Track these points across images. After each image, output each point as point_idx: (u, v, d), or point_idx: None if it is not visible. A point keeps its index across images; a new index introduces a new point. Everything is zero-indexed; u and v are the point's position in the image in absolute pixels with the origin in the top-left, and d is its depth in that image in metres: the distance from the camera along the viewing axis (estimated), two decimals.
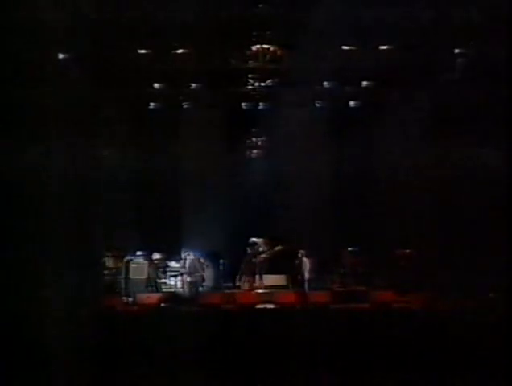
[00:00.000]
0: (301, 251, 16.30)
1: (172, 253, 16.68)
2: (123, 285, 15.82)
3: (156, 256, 16.48)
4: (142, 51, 14.93)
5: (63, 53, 14.40)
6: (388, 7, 12.85)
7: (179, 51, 14.99)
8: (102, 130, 16.41)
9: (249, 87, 16.87)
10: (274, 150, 18.45)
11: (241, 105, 17.52)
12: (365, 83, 16.62)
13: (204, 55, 15.15)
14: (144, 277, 15.90)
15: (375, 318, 11.86)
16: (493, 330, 10.42)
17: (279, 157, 17.95)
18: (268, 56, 15.27)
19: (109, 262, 16.23)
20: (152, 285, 16.01)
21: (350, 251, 16.79)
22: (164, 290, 15.99)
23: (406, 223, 16.01)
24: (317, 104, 17.53)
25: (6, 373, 9.65)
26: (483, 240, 14.00)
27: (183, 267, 16.28)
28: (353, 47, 14.91)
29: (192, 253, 16.45)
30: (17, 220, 13.04)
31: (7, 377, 9.65)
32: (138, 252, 16.36)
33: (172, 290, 16.00)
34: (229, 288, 16.27)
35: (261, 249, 16.73)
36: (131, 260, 16.21)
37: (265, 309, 13.91)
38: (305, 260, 16.15)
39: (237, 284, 16.55)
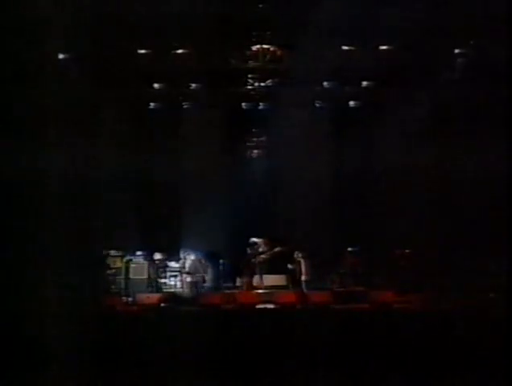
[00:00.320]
0: (298, 251, 16.25)
1: (172, 253, 16.66)
2: (123, 285, 15.80)
3: (157, 256, 16.46)
4: (142, 51, 14.93)
5: (63, 53, 14.41)
6: (388, 7, 12.85)
7: (179, 51, 15.00)
8: (102, 130, 16.39)
9: (249, 87, 16.88)
10: (274, 150, 18.44)
11: (241, 105, 17.52)
12: (365, 83, 16.63)
13: (204, 55, 15.15)
14: (144, 277, 15.89)
15: (375, 318, 11.84)
16: (494, 330, 10.42)
17: (279, 157, 17.94)
18: (268, 56, 15.29)
19: (109, 262, 16.21)
20: (153, 285, 16.00)
21: (350, 251, 16.77)
22: (164, 290, 15.98)
23: (406, 223, 16.00)
24: (317, 104, 17.53)
25: (5, 373, 9.65)
26: (483, 240, 14.00)
27: (183, 267, 16.27)
28: (352, 47, 14.92)
29: (191, 253, 16.44)
30: (17, 220, 13.04)
31: (7, 377, 9.65)
32: (138, 252, 16.34)
33: (172, 290, 15.99)
34: (229, 288, 16.26)
35: (260, 249, 16.70)
36: (131, 260, 16.20)
37: (265, 309, 13.90)
38: (301, 260, 16.11)
39: (237, 284, 16.53)
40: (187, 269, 16.17)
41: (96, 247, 16.04)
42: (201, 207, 17.05)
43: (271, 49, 15.18)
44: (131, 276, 15.88)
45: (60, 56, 14.42)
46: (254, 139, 19.01)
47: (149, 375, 9.97)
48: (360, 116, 17.41)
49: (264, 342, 10.69)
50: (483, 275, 13.36)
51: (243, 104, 17.51)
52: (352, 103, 17.50)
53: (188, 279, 15.94)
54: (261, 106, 17.54)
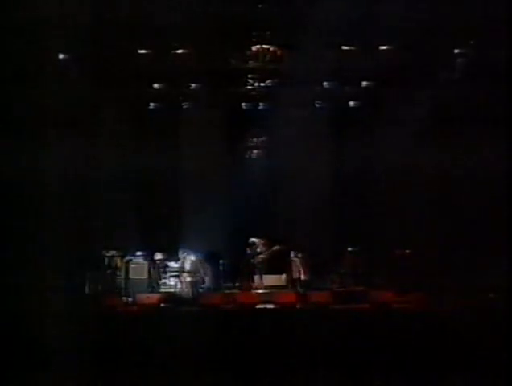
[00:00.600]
0: (295, 251, 16.25)
1: (172, 253, 16.65)
2: (123, 285, 15.80)
3: (157, 256, 16.45)
4: (142, 51, 14.93)
5: (63, 53, 14.42)
6: (388, 7, 12.85)
7: (179, 51, 15.00)
8: (102, 130, 16.40)
9: (249, 87, 16.88)
10: (273, 150, 18.43)
11: (241, 105, 17.51)
12: (365, 83, 16.64)
13: (204, 55, 15.15)
14: (144, 277, 15.88)
15: (374, 318, 11.84)
16: (494, 330, 10.42)
17: (279, 157, 17.93)
18: (268, 56, 15.28)
19: (109, 262, 16.19)
20: (153, 285, 15.99)
21: (350, 251, 16.75)
22: (164, 290, 15.97)
23: (406, 223, 16.00)
24: (317, 105, 17.53)
25: (5, 373, 9.65)
26: (483, 240, 14.01)
27: (183, 267, 16.26)
28: (352, 47, 14.92)
29: (191, 253, 16.44)
30: (16, 220, 13.05)
31: (7, 377, 9.65)
32: (138, 253, 16.33)
33: (172, 290, 15.99)
34: (228, 288, 16.25)
35: (258, 250, 16.69)
36: (131, 260, 16.19)
37: (264, 309, 13.89)
38: (297, 260, 16.10)
39: (237, 284, 16.52)
40: (186, 269, 16.16)
41: (95, 247, 16.05)
42: (201, 207, 17.04)
43: (271, 49, 15.17)
44: (131, 276, 15.87)
45: (60, 56, 14.43)
46: (254, 139, 18.99)
47: (148, 375, 9.98)
48: (360, 116, 17.40)
49: (263, 342, 10.70)
50: (483, 275, 13.36)
51: (243, 104, 17.51)
52: (352, 103, 17.49)
53: (188, 279, 15.93)
54: (261, 106, 17.54)
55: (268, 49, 15.18)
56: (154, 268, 16.27)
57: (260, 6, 13.50)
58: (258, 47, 15.11)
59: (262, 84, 16.72)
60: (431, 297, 12.92)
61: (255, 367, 10.29)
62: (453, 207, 15.18)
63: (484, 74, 13.81)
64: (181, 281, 16.03)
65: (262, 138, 18.89)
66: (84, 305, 13.44)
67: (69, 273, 14.24)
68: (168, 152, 17.56)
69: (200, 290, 15.91)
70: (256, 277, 16.41)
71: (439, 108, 15.55)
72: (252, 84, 16.78)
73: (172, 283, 16.25)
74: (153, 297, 14.64)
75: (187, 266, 16.20)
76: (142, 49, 14.89)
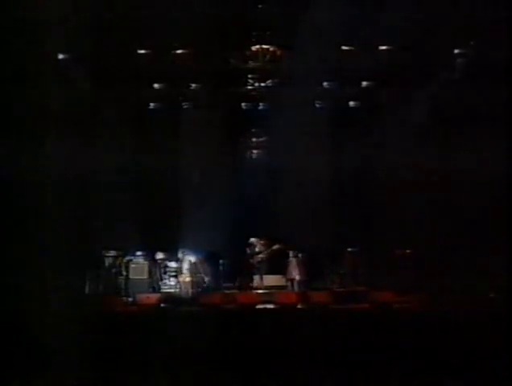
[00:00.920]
0: (292, 251, 16.25)
1: (172, 254, 16.65)
2: (123, 286, 15.80)
3: (157, 256, 16.45)
4: (142, 51, 14.93)
5: (62, 53, 14.42)
6: (388, 7, 12.85)
7: (179, 51, 15.00)
8: (102, 130, 16.39)
9: (249, 87, 16.88)
10: (273, 150, 18.43)
11: (241, 105, 17.51)
12: (364, 83, 16.63)
13: (204, 56, 15.15)
14: (144, 277, 15.88)
15: (374, 318, 11.84)
16: (493, 330, 10.42)
17: (279, 157, 17.92)
18: (268, 56, 15.27)
19: (109, 262, 16.20)
20: (153, 285, 15.99)
21: (350, 251, 16.76)
22: (164, 290, 15.98)
23: (406, 223, 15.99)
24: (317, 105, 17.52)
25: (5, 373, 9.66)
26: (483, 240, 14.01)
27: (183, 267, 16.27)
28: (352, 47, 14.92)
29: (191, 253, 16.44)
30: (16, 220, 13.05)
31: (7, 377, 9.65)
32: (138, 252, 16.33)
33: (172, 291, 15.99)
34: (228, 288, 16.25)
35: (257, 249, 16.69)
36: (131, 260, 16.19)
37: (264, 309, 13.90)
38: (297, 260, 16.11)
39: (237, 284, 16.52)
40: (186, 269, 16.17)
41: (95, 247, 16.05)
42: (201, 207, 17.03)
43: (271, 49, 15.17)
44: (131, 276, 15.87)
45: (60, 56, 14.43)
46: (254, 139, 18.99)
47: (148, 375, 9.98)
48: (360, 116, 17.39)
49: (263, 342, 10.70)
50: (483, 275, 13.36)
51: (243, 104, 17.50)
52: (352, 103, 17.48)
53: (188, 279, 15.94)
54: (261, 106, 17.53)
55: (268, 49, 15.17)
56: (154, 268, 16.26)
57: (260, 6, 13.50)
58: (257, 47, 15.11)
59: (262, 84, 16.72)
60: (431, 298, 12.91)
61: (255, 367, 10.29)
62: (453, 207, 15.17)
63: (484, 74, 13.81)
64: (181, 281, 16.03)
65: (262, 138, 18.89)
66: (84, 305, 13.44)
67: (69, 272, 14.23)
68: (168, 152, 17.56)
69: (200, 290, 15.91)
70: (256, 277, 16.42)
71: (439, 108, 15.56)
72: (252, 84, 16.77)
73: (172, 283, 16.25)
74: (153, 298, 14.64)
75: (187, 266, 16.21)
76: (142, 49, 14.89)
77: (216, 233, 16.30)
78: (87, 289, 15.25)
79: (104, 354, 10.22)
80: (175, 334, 10.39)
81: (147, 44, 14.77)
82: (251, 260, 16.57)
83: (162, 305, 14.17)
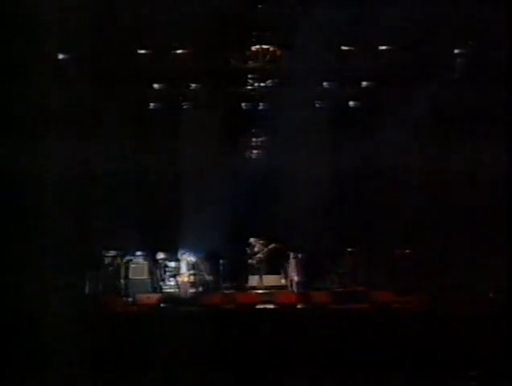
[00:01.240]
0: (294, 251, 16.25)
1: (172, 254, 16.66)
2: (123, 286, 15.80)
3: (159, 255, 16.45)
4: (142, 51, 14.93)
5: (62, 53, 14.42)
6: (388, 7, 12.86)
7: (179, 51, 15.00)
8: (102, 130, 16.38)
9: (249, 87, 16.87)
10: (273, 150, 18.42)
11: (241, 105, 17.50)
12: (364, 83, 16.63)
13: (204, 55, 15.15)
14: (143, 277, 15.88)
15: (374, 318, 11.85)
16: (494, 329, 10.42)
17: (279, 157, 17.92)
18: (268, 56, 15.28)
19: (109, 262, 16.20)
20: (153, 285, 15.99)
21: (350, 251, 16.75)
22: (164, 291, 15.97)
23: (405, 223, 15.99)
24: (317, 105, 17.51)
25: (5, 373, 9.66)
26: (483, 240, 14.01)
27: (183, 267, 16.27)
28: (352, 47, 14.92)
29: (191, 254, 16.44)
30: (16, 220, 13.05)
31: (7, 377, 9.65)
32: (138, 252, 16.33)
33: (172, 291, 15.99)
34: (228, 288, 16.24)
35: (256, 249, 16.69)
36: (131, 260, 16.19)
37: (264, 309, 13.90)
38: (296, 260, 16.10)
39: (237, 284, 16.51)
40: (186, 270, 16.17)
41: (95, 247, 16.05)
42: (200, 207, 17.03)
43: (271, 49, 15.17)
44: (131, 276, 15.87)
45: (60, 56, 14.43)
46: (254, 139, 18.99)
47: (148, 375, 9.98)
48: (360, 116, 17.38)
49: (262, 342, 10.70)
50: (483, 275, 13.36)
51: (243, 104, 17.49)
52: (352, 103, 17.47)
53: (187, 279, 15.93)
54: (261, 106, 17.52)
55: (268, 49, 15.18)
56: (154, 268, 16.26)
57: (260, 6, 13.50)
58: (257, 47, 15.11)
59: (262, 84, 16.71)
60: (431, 298, 12.91)
61: (255, 367, 10.29)
62: (453, 207, 15.17)
63: (484, 74, 13.81)
64: (181, 281, 16.03)
65: (262, 138, 18.88)
66: (84, 305, 13.44)
67: (69, 273, 14.23)
68: (168, 152, 17.55)
69: (200, 290, 15.91)
70: (256, 277, 16.41)
71: (438, 108, 15.55)
72: (252, 84, 16.77)
73: (172, 283, 16.25)
74: (153, 298, 14.64)
75: (187, 266, 16.21)
76: (142, 49, 14.89)
77: (216, 233, 16.29)
78: (87, 289, 15.24)
79: (104, 354, 10.22)
80: (175, 334, 10.39)
81: (147, 44, 14.77)
82: (250, 261, 16.57)
83: (162, 305, 14.17)
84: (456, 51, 15.03)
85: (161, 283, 16.27)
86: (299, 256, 16.21)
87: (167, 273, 16.43)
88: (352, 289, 15.65)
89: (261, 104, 17.47)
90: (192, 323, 11.14)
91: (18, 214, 13.16)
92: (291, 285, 15.99)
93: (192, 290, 15.84)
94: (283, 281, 16.37)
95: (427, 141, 15.82)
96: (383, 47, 14.94)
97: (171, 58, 15.11)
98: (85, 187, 15.97)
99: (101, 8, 13.10)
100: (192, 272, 16.17)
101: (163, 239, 16.87)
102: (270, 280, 16.42)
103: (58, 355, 9.78)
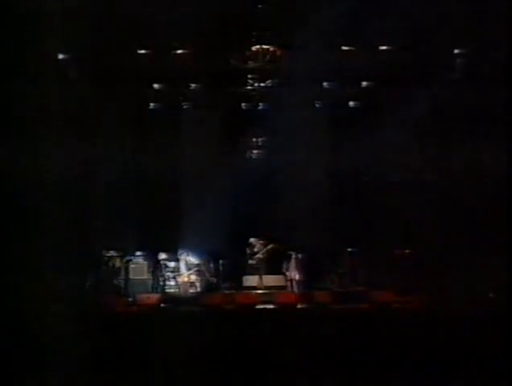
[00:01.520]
0: (294, 251, 16.25)
1: (172, 254, 16.66)
2: (123, 286, 15.81)
3: (159, 255, 16.46)
4: (142, 51, 14.94)
5: (62, 53, 14.42)
6: (387, 7, 12.86)
7: (179, 51, 15.00)
8: (102, 130, 16.39)
9: (249, 87, 16.87)
10: (273, 150, 18.41)
11: (241, 105, 17.50)
12: (364, 83, 16.63)
13: (204, 55, 15.15)
14: (143, 277, 15.89)
15: (374, 318, 11.84)
16: (493, 329, 10.42)
17: (279, 157, 17.91)
18: (268, 56, 15.28)
19: (109, 262, 16.20)
20: (153, 285, 16.00)
21: (350, 251, 16.75)
22: (164, 291, 15.98)
23: (405, 223, 15.99)
24: (317, 105, 17.51)
25: (5, 373, 9.65)
26: (483, 240, 14.01)
27: (183, 267, 16.28)
28: (352, 47, 14.93)
29: (190, 254, 16.45)
30: (16, 220, 13.05)
31: (7, 377, 9.65)
32: (138, 253, 16.34)
33: (172, 291, 16.00)
34: (228, 288, 16.25)
35: (255, 249, 16.69)
36: (131, 260, 16.20)
37: (264, 309, 13.90)
38: (296, 260, 16.10)
39: (237, 284, 16.52)
40: (186, 270, 16.17)
41: (95, 247, 16.05)
42: (200, 207, 17.02)
43: (271, 49, 15.17)
44: (131, 276, 15.88)
45: (60, 56, 14.43)
46: (254, 139, 18.98)
47: (148, 375, 9.98)
48: (359, 116, 17.38)
49: (262, 342, 10.70)
50: (483, 275, 13.36)
51: (243, 104, 17.49)
52: (351, 103, 17.47)
53: (187, 279, 15.94)
54: (261, 106, 17.52)
55: (268, 49, 15.18)
56: (153, 268, 16.27)
57: (260, 6, 13.50)
58: (257, 47, 15.11)
59: (262, 84, 16.71)
60: (431, 298, 12.91)
61: (255, 367, 10.29)
62: (453, 206, 15.17)
63: (484, 74, 13.82)
64: (181, 281, 16.04)
65: (262, 138, 18.87)
66: (84, 305, 13.43)
67: (69, 273, 14.23)
68: (168, 152, 17.54)
69: (200, 290, 15.92)
70: (256, 278, 16.42)
71: (439, 108, 15.55)
72: (252, 84, 16.77)
73: (172, 283, 16.25)
74: (153, 298, 14.64)
75: (187, 266, 16.21)
76: (142, 49, 14.89)
77: (216, 233, 16.29)
78: (87, 289, 15.25)
79: (104, 354, 10.22)
80: (175, 334, 10.39)
81: (147, 44, 14.77)
82: (250, 261, 16.57)
83: (162, 305, 14.18)
84: (456, 51, 15.03)
85: (161, 283, 16.27)
86: (299, 256, 16.21)
87: (167, 273, 16.43)
88: (352, 289, 15.67)
89: (261, 104, 17.47)
90: (192, 323, 11.13)
91: (18, 214, 13.16)
92: (291, 285, 16.00)
93: (192, 290, 15.85)
94: (283, 281, 16.37)
95: (427, 141, 15.82)
96: (383, 47, 14.95)
97: (171, 58, 15.12)
98: (85, 187, 15.97)
99: (101, 8, 13.10)
100: (191, 272, 16.18)
101: (162, 239, 16.87)
102: (270, 280, 16.43)
103: (58, 355, 9.77)
